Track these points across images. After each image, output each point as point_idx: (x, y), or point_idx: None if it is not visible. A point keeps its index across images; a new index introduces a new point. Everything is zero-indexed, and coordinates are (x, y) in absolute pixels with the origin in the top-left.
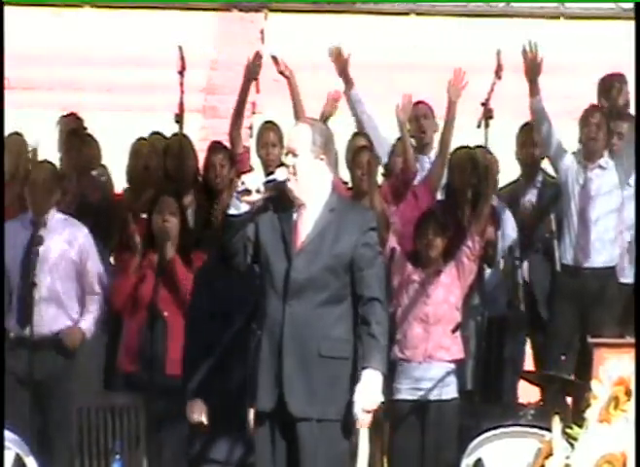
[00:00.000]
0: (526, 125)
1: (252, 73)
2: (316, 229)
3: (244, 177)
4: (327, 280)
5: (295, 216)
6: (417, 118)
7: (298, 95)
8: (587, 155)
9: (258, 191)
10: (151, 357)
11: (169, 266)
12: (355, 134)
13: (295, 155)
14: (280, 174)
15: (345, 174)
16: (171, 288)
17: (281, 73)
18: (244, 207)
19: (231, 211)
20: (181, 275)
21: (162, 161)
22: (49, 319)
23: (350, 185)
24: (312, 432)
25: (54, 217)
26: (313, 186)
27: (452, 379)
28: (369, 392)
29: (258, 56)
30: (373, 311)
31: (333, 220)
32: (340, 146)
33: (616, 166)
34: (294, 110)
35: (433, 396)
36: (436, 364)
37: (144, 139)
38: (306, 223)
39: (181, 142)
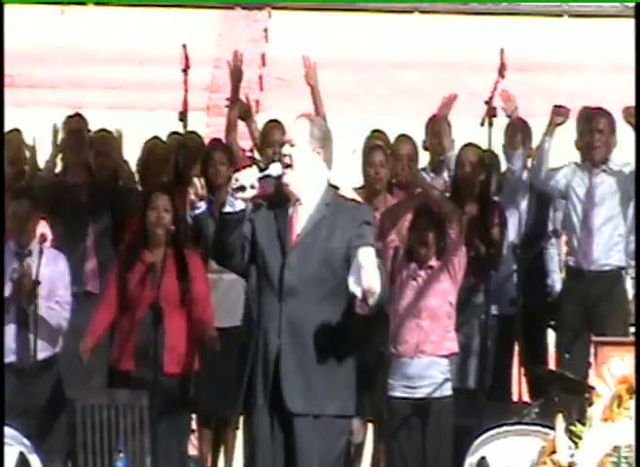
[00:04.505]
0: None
1: (237, 75)
2: (310, 223)
3: (238, 174)
4: (323, 275)
5: (290, 212)
6: (438, 134)
7: (320, 102)
8: (592, 161)
9: (252, 186)
10: (148, 355)
11: (163, 262)
12: (373, 132)
13: (292, 145)
14: (274, 169)
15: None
16: (166, 284)
17: (307, 82)
18: (239, 205)
19: (227, 209)
20: (175, 272)
21: (174, 159)
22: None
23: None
24: (309, 428)
25: (36, 247)
26: (309, 180)
27: (446, 377)
28: (365, 268)
29: (237, 56)
30: None
31: (327, 214)
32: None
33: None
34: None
35: (426, 394)
36: (427, 360)
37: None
38: (301, 218)
39: (194, 140)
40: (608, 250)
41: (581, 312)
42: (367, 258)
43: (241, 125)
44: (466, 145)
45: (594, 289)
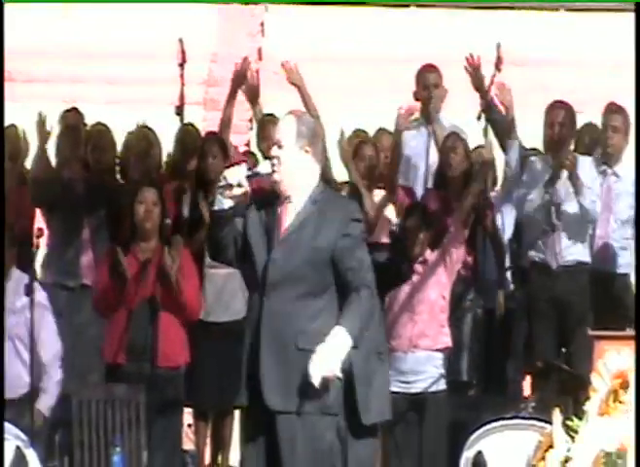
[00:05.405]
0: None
1: (239, 78)
2: (297, 220)
3: (226, 172)
4: (305, 273)
5: (280, 209)
6: (428, 86)
7: (310, 101)
8: (557, 158)
9: (239, 185)
10: (141, 349)
11: (154, 256)
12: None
13: (280, 146)
14: (263, 167)
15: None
16: (157, 278)
17: (292, 83)
18: (227, 203)
19: (215, 207)
20: (167, 265)
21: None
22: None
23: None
24: (291, 426)
25: (14, 275)
26: (298, 178)
27: (440, 372)
28: (327, 354)
29: (246, 62)
30: (357, 294)
31: (315, 212)
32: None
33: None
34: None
35: (421, 389)
36: (422, 354)
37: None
38: (290, 216)
39: (192, 133)
40: (573, 245)
41: (549, 307)
42: (331, 341)
43: (237, 119)
44: (450, 134)
45: (560, 284)
